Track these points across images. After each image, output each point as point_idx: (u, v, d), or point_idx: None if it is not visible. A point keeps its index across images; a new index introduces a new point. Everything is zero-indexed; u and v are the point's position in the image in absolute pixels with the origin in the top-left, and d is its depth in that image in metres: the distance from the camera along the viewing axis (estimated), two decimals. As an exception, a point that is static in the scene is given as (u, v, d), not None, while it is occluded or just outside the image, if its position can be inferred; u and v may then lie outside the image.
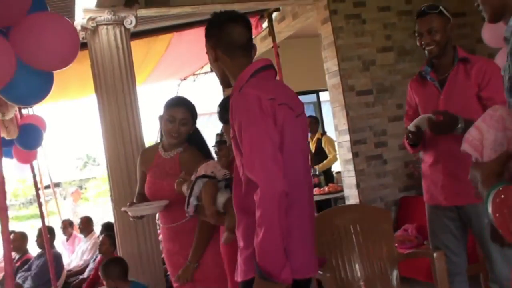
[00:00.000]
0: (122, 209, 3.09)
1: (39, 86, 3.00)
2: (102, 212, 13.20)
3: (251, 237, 1.97)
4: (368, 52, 5.69)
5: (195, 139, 3.22)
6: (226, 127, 2.71)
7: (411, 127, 3.08)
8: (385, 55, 5.76)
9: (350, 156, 5.54)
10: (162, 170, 3.10)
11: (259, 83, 2.11)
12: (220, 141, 4.34)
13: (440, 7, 3.06)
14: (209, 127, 11.33)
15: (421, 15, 3.07)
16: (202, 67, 8.92)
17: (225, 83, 2.31)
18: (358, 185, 5.48)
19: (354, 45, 5.65)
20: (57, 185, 22.54)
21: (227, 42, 2.21)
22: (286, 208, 1.92)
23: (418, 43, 3.11)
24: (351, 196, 5.59)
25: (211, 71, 9.04)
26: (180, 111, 3.08)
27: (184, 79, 9.34)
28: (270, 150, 1.96)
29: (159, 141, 3.31)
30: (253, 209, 1.94)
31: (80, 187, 27.83)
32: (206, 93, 10.97)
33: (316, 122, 8.05)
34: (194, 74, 9.17)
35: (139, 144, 4.82)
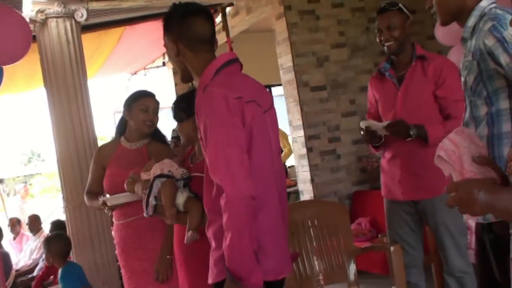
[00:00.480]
0: (101, 199, 2.97)
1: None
2: (49, 208, 12.87)
3: (222, 238, 1.93)
4: (322, 48, 5.73)
5: (158, 134, 3.21)
6: (181, 126, 2.67)
7: (362, 124, 3.13)
8: (338, 51, 5.82)
9: (304, 151, 5.58)
10: (126, 160, 3.05)
11: (225, 80, 2.04)
12: (178, 137, 4.29)
13: (400, 5, 3.12)
14: (160, 122, 11.19)
15: (381, 12, 3.12)
16: (154, 61, 8.79)
17: (186, 78, 2.21)
18: (312, 180, 5.53)
19: (308, 41, 5.68)
20: (0, 181, 21.84)
21: (190, 36, 2.11)
22: (255, 210, 1.90)
23: (377, 39, 3.16)
24: (306, 190, 5.63)
25: (163, 65, 8.95)
26: (152, 101, 3.08)
27: (135, 73, 9.18)
28: (235, 153, 1.91)
29: (116, 136, 3.26)
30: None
31: (25, 183, 27.06)
32: (157, 87, 10.81)
33: None
34: (145, 68, 9.02)
35: (91, 140, 4.71)
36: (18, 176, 35.02)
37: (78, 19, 4.68)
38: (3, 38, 2.69)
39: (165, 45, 2.21)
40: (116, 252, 3.31)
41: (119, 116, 10.75)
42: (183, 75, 2.22)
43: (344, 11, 5.91)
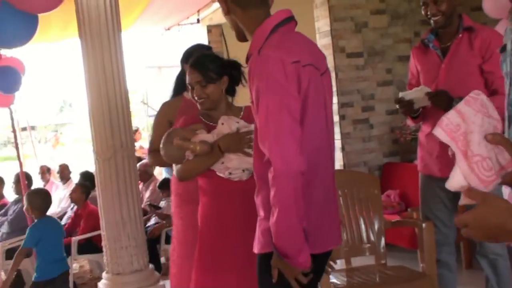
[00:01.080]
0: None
1: (23, 29, 2.86)
2: (78, 158, 13.04)
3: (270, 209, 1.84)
4: (361, 13, 5.57)
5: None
6: (206, 88, 2.53)
7: (402, 95, 3.02)
8: (378, 18, 5.65)
9: (336, 118, 5.48)
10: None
11: (281, 42, 1.89)
12: None
13: None
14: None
15: None
16: (188, 17, 8.67)
17: (241, 37, 2.06)
18: (343, 148, 5.46)
19: (347, 5, 5.52)
20: (32, 128, 22.24)
21: None
22: (306, 185, 1.81)
23: (423, 12, 3.03)
24: (336, 159, 5.55)
25: (197, 22, 8.83)
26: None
27: (169, 29, 9.08)
28: (287, 123, 1.79)
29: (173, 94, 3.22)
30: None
31: (56, 132, 27.51)
32: (190, 44, 10.75)
33: None
34: (179, 25, 8.90)
35: (123, 93, 4.66)
36: (49, 124, 35.60)
37: (116, -31, 4.59)
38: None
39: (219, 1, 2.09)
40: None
41: (151, 70, 10.75)
42: (237, 33, 2.07)
43: (384, -18, 5.72)
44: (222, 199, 2.59)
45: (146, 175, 6.55)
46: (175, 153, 2.57)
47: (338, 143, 5.51)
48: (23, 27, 2.76)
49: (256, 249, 1.98)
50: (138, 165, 6.67)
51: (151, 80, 11.07)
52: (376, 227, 3.24)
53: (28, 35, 2.82)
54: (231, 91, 2.73)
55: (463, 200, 1.23)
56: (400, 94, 3.04)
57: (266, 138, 1.81)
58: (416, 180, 3.31)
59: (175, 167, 2.68)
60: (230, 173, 2.54)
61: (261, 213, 1.96)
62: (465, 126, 1.27)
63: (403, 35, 5.69)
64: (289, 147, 1.78)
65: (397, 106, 3.06)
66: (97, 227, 5.58)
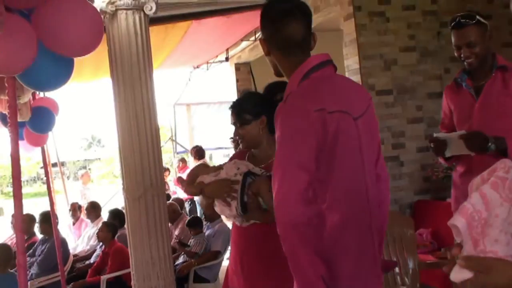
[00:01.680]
0: None
1: (59, 73, 2.91)
2: (105, 194, 13.11)
3: None
4: (390, 51, 5.57)
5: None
6: (243, 129, 2.57)
7: (438, 135, 2.97)
8: (407, 55, 5.64)
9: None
10: None
11: (310, 88, 1.90)
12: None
13: (477, 17, 2.91)
14: (220, 116, 11.24)
15: (457, 27, 2.92)
16: (217, 56, 8.80)
17: (278, 73, 2.12)
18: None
19: (376, 43, 5.53)
20: (62, 164, 22.54)
21: (281, 38, 2.00)
22: (337, 230, 1.81)
23: (456, 54, 2.99)
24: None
25: (226, 60, 8.94)
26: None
27: (197, 67, 9.23)
28: (293, 173, 1.77)
29: None
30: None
31: (85, 167, 27.83)
32: (219, 82, 10.87)
33: None
34: (207, 63, 9.05)
35: (154, 131, 4.70)
36: (78, 160, 36.09)
37: (147, 11, 4.68)
38: (76, 30, 2.68)
39: (259, 40, 2.14)
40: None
41: (179, 108, 10.84)
42: (276, 71, 2.13)
43: (415, 14, 5.73)
44: (233, 241, 2.66)
45: (174, 215, 6.55)
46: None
47: (368, 181, 5.44)
48: (59, 71, 2.80)
49: None
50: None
51: (179, 117, 11.17)
52: (410, 268, 3.17)
53: (64, 79, 2.87)
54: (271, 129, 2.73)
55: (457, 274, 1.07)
56: (435, 135, 2.99)
57: (273, 184, 1.81)
58: (448, 218, 3.23)
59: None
60: (227, 217, 2.62)
61: None
62: (486, 214, 1.09)
63: (433, 72, 5.67)
64: (290, 196, 1.75)
65: (430, 145, 3.01)
66: (125, 265, 5.58)
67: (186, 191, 2.82)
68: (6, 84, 2.75)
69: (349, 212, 1.88)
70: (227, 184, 2.48)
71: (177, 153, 11.40)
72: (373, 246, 1.98)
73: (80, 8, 2.80)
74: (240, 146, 2.72)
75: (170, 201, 7.34)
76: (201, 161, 8.51)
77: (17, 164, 2.72)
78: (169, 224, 6.35)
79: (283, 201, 1.75)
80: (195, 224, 6.06)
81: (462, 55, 2.94)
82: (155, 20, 5.20)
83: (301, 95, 1.90)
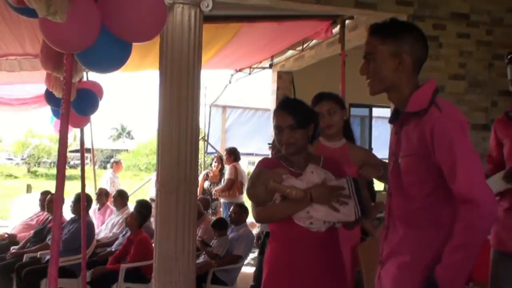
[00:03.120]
0: None
1: (116, 56, 2.92)
2: (128, 186, 13.18)
3: (419, 251, 2.04)
4: (439, 77, 5.49)
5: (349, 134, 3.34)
6: (296, 132, 2.57)
7: None
8: (456, 83, 5.57)
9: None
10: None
11: (449, 103, 2.11)
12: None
13: None
14: (254, 122, 11.26)
15: None
16: (261, 61, 8.80)
17: (380, 90, 2.21)
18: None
19: (426, 67, 5.33)
20: (88, 150, 22.78)
21: (420, 56, 2.18)
22: None
23: (510, 88, 2.95)
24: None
25: (269, 67, 8.94)
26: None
27: (239, 70, 9.24)
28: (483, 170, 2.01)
29: None
30: (423, 224, 2.05)
31: (111, 157, 28.08)
32: (257, 88, 10.88)
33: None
34: (250, 67, 9.06)
35: (194, 128, 4.73)
36: (106, 149, 36.48)
37: (204, 8, 4.72)
38: (139, 16, 2.69)
39: (372, 54, 2.17)
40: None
41: (214, 109, 10.86)
42: (385, 87, 2.19)
43: (468, 42, 5.65)
44: (296, 248, 2.58)
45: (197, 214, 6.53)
46: (263, 194, 2.57)
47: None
48: (116, 54, 2.81)
49: None
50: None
51: (213, 118, 11.21)
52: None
53: (120, 63, 2.88)
54: (311, 140, 2.73)
55: None
56: None
57: (473, 184, 1.94)
58: (482, 253, 3.16)
59: (255, 208, 2.66)
60: (311, 223, 2.53)
61: (407, 258, 2.08)
62: None
63: (479, 103, 5.58)
64: (492, 195, 1.95)
65: None
66: (147, 257, 5.60)
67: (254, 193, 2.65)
68: (64, 61, 2.76)
69: None
70: (336, 189, 2.52)
71: (207, 153, 11.44)
72: None
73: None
74: (284, 150, 2.67)
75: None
76: (234, 164, 8.49)
77: (65, 142, 2.74)
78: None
79: (489, 193, 1.93)
80: (220, 225, 6.05)
81: None
82: (208, 18, 5.23)
83: (450, 106, 2.09)
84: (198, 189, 8.88)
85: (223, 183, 8.64)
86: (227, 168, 8.63)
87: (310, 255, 2.56)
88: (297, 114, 2.58)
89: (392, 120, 2.30)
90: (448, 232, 2.01)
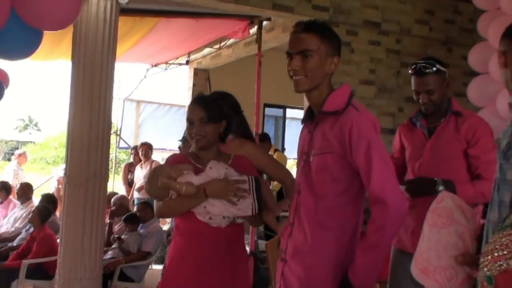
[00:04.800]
0: None
1: (26, 43, 2.82)
2: (35, 179, 12.67)
3: (327, 252, 2.08)
4: (350, 81, 5.68)
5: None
6: (208, 126, 2.56)
7: None
8: (366, 88, 5.79)
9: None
10: None
11: (363, 107, 2.22)
12: (184, 138, 4.25)
13: (437, 65, 3.02)
14: (168, 118, 11.15)
15: (418, 74, 3.01)
16: (177, 57, 8.74)
17: (310, 89, 2.19)
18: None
19: (338, 72, 5.54)
20: (-8, 141, 21.69)
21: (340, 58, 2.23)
22: None
23: (414, 98, 3.09)
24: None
25: (186, 63, 8.90)
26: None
27: (155, 65, 9.12)
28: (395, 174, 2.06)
29: None
30: (331, 225, 2.07)
31: (16, 149, 26.87)
32: (173, 84, 10.79)
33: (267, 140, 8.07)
34: (166, 63, 8.96)
35: (106, 122, 4.63)
36: (11, 140, 34.84)
37: (120, 1, 4.63)
38: (52, 4, 2.62)
39: (311, 52, 2.13)
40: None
41: (129, 103, 10.58)
42: (312, 86, 2.18)
43: (379, 50, 5.89)
44: (197, 243, 2.58)
45: (121, 209, 6.39)
46: (159, 191, 2.55)
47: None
48: (27, 42, 2.72)
49: None
50: (114, 198, 6.58)
51: (127, 113, 10.99)
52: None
53: (29, 51, 2.79)
54: (223, 138, 2.74)
55: None
56: None
57: (383, 183, 1.99)
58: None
59: (156, 203, 2.65)
60: (210, 218, 2.54)
61: (314, 259, 2.11)
62: (425, 244, 1.38)
63: (387, 108, 5.83)
64: (399, 190, 2.03)
65: None
66: (51, 253, 5.41)
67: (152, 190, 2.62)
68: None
69: None
70: (232, 183, 2.51)
71: (119, 148, 11.20)
72: None
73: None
74: (194, 144, 2.67)
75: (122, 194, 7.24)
76: (153, 160, 8.27)
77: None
78: (113, 218, 6.23)
79: (399, 194, 2.00)
80: (132, 220, 5.96)
81: (420, 100, 3.05)
82: (125, 11, 5.14)
83: (368, 111, 2.24)
84: (123, 181, 8.68)
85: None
86: (147, 164, 8.31)
87: (210, 251, 2.56)
88: (209, 108, 2.58)
89: (306, 120, 2.32)
90: (352, 233, 2.08)
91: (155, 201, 2.73)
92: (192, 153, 2.72)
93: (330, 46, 2.16)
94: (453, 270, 1.28)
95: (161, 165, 2.65)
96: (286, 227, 2.27)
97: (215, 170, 2.56)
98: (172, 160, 2.72)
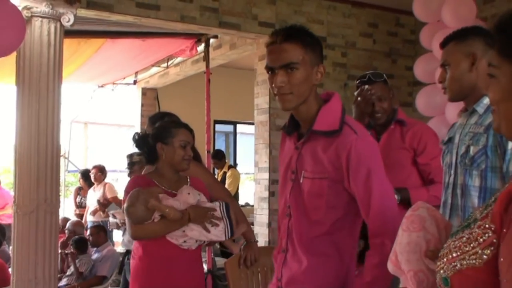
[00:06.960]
0: None
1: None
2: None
3: (326, 280, 1.93)
4: (299, 95, 5.76)
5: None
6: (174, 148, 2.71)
7: None
8: (314, 101, 5.86)
9: (266, 194, 5.54)
10: None
11: (358, 123, 2.10)
12: (133, 162, 4.29)
13: (384, 75, 3.14)
14: (117, 139, 11.01)
15: (367, 83, 3.08)
16: (124, 78, 8.65)
17: (298, 106, 1.94)
18: (269, 224, 5.48)
19: None
20: None
21: None
22: None
23: (353, 109, 3.16)
24: (261, 234, 5.56)
25: (134, 83, 8.82)
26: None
27: (102, 86, 9.00)
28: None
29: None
30: (327, 251, 1.92)
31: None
32: (121, 104, 10.66)
33: (223, 157, 8.18)
34: (113, 83, 8.86)
35: (55, 147, 4.53)
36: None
37: (64, 23, 4.56)
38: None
39: (296, 64, 1.88)
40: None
41: (76, 125, 10.33)
42: (301, 102, 1.93)
43: (326, 63, 5.86)
44: (169, 265, 2.66)
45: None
46: (143, 213, 2.61)
47: (265, 218, 5.54)
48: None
49: None
50: (68, 224, 6.43)
51: (75, 135, 10.79)
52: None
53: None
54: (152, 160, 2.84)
55: None
56: None
57: (384, 215, 1.87)
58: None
59: (130, 226, 2.64)
60: (184, 241, 2.64)
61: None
62: (398, 248, 1.40)
63: (335, 120, 5.92)
64: (397, 214, 1.86)
65: None
66: (3, 283, 5.23)
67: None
68: None
69: None
70: (209, 210, 2.66)
71: (68, 171, 10.97)
72: None
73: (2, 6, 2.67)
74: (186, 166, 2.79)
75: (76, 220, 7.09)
76: (107, 182, 8.04)
77: None
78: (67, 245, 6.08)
79: (397, 215, 1.82)
80: (81, 244, 5.85)
81: (371, 111, 3.10)
82: (70, 33, 5.06)
83: (365, 129, 2.12)
84: (74, 204, 8.45)
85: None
86: (100, 187, 8.05)
87: (178, 270, 2.67)
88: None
89: (290, 132, 2.08)
90: (350, 257, 1.97)
91: (127, 224, 2.73)
92: (154, 174, 2.78)
93: (314, 55, 1.93)
94: (423, 273, 1.32)
95: (139, 188, 2.67)
96: (278, 252, 2.09)
97: (192, 196, 2.68)
98: (136, 183, 2.76)
